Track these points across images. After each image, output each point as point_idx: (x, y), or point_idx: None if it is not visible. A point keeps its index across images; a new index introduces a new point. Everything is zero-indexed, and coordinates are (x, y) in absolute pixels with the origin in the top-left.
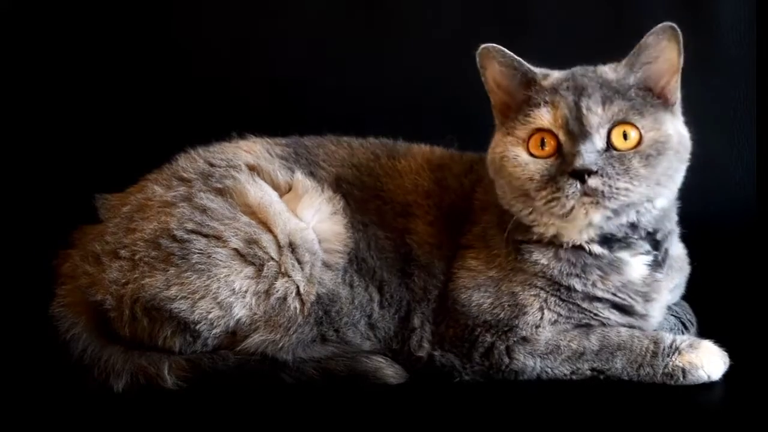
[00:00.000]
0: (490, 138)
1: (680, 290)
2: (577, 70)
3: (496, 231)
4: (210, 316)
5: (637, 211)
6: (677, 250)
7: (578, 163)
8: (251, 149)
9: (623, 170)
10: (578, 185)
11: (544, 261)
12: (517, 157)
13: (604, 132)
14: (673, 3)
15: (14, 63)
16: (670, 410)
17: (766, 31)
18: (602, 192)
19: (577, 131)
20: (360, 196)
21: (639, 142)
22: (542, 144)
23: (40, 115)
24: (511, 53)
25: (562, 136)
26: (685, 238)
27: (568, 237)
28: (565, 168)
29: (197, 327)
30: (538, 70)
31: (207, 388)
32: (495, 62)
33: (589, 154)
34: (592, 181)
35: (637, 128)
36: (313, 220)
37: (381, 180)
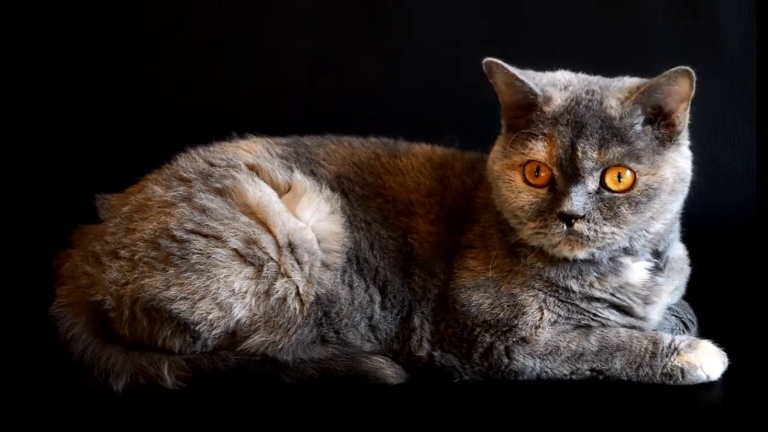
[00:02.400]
0: (491, 137)
1: (680, 291)
2: (585, 95)
3: (494, 231)
4: (210, 316)
5: (630, 237)
6: (678, 251)
7: (566, 207)
8: (251, 149)
9: (611, 215)
10: (564, 227)
11: (539, 264)
12: (512, 181)
13: (597, 174)
14: (673, 3)
15: (14, 63)
16: (670, 410)
17: (766, 31)
18: (587, 236)
19: (570, 173)
20: (361, 194)
21: (632, 185)
22: (537, 171)
23: (40, 115)
24: (515, 70)
25: (556, 172)
26: (685, 239)
27: (558, 255)
28: (554, 207)
29: (197, 327)
30: (540, 90)
31: (207, 389)
32: (498, 77)
33: (579, 197)
34: (578, 226)
35: (632, 172)
36: (311, 219)
37: (382, 178)
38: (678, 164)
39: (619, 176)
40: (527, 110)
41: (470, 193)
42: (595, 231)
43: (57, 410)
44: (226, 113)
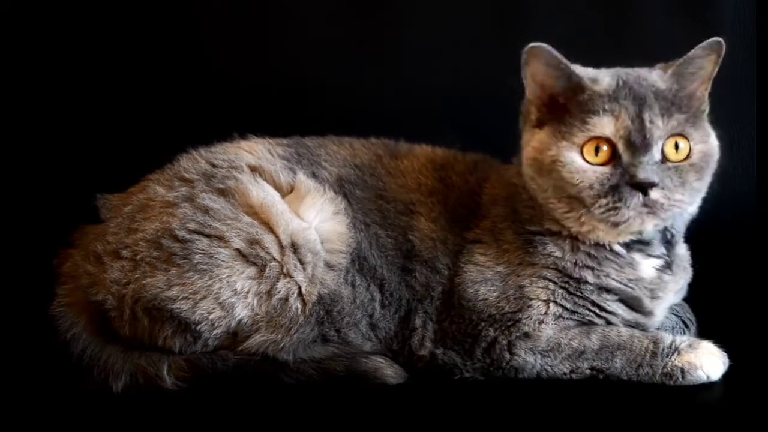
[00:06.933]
0: (493, 138)
1: (683, 292)
2: (628, 75)
3: (506, 225)
4: (211, 316)
5: (674, 219)
6: (681, 250)
7: (642, 175)
8: (253, 150)
9: (680, 183)
10: (640, 197)
11: (558, 253)
12: (573, 162)
13: (661, 144)
14: (673, 3)
15: (14, 63)
16: (670, 410)
17: (766, 31)
18: (661, 204)
19: (639, 143)
20: (362, 196)
21: (689, 153)
22: (597, 150)
23: (40, 114)
24: (559, 55)
25: (621, 146)
26: (685, 239)
27: (604, 239)
28: (628, 179)
29: (198, 327)
30: (584, 74)
31: (206, 389)
32: (540, 62)
33: (651, 166)
34: (654, 194)
35: (687, 140)
36: (315, 220)
37: (383, 180)
38: (714, 138)
39: (677, 146)
40: (571, 95)
41: (475, 191)
42: (668, 198)
43: (57, 410)
44: (226, 113)
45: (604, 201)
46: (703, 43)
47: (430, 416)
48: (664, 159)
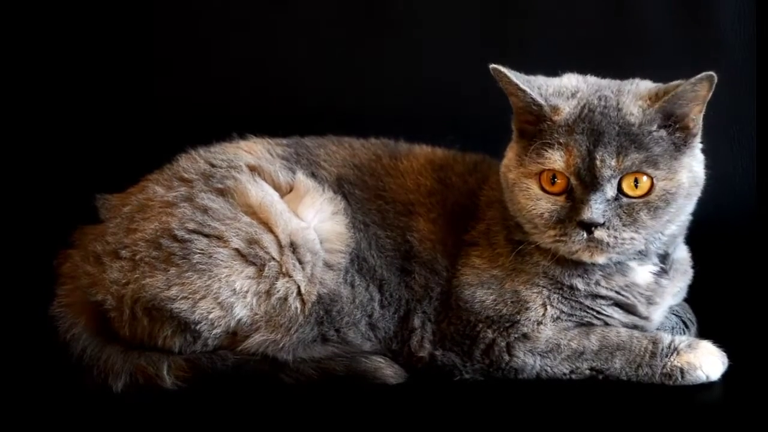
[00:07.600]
0: (493, 138)
1: (683, 293)
2: (599, 101)
3: (499, 228)
4: (211, 316)
5: (647, 241)
6: (681, 253)
7: (586, 215)
8: (252, 149)
9: (630, 221)
10: (584, 234)
11: (545, 262)
12: (529, 189)
13: (615, 182)
14: (673, 3)
15: (14, 63)
16: (670, 410)
17: (766, 31)
18: (607, 243)
19: (588, 181)
20: (361, 196)
21: (649, 190)
22: (553, 179)
23: (40, 114)
24: (517, 80)
25: (573, 180)
26: (685, 239)
27: (577, 261)
28: (573, 215)
29: (198, 327)
30: (545, 100)
31: (206, 389)
32: (503, 83)
33: (598, 205)
34: (598, 233)
35: (649, 176)
36: (314, 220)
37: (383, 180)
38: (693, 168)
39: (636, 182)
40: (537, 118)
41: (474, 192)
42: (615, 237)
43: (57, 410)
44: (226, 113)
45: (552, 232)
46: (693, 79)
47: (430, 416)
48: (623, 194)
